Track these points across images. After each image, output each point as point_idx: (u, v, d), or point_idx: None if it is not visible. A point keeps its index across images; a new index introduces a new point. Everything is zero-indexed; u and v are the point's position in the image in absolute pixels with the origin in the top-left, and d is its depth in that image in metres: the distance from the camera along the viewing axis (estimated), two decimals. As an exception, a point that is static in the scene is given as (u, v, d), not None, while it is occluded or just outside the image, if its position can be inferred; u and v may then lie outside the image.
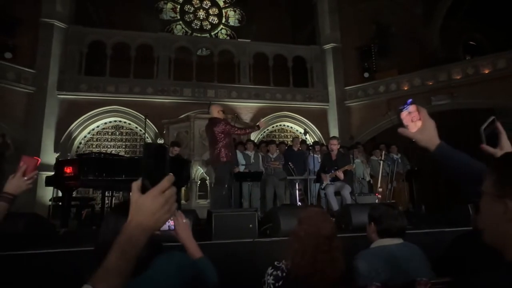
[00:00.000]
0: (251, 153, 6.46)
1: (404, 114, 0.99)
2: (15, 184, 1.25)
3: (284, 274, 1.44)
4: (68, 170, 4.74)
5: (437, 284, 1.38)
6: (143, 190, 0.66)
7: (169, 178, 0.67)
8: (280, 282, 1.43)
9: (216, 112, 4.77)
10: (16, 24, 9.77)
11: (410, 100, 0.98)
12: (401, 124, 1.01)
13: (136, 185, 0.66)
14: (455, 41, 12.95)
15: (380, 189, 6.37)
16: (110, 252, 0.63)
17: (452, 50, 12.57)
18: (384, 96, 11.41)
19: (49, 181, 5.58)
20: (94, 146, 10.44)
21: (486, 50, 11.99)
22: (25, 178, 1.28)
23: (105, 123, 10.61)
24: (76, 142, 10.19)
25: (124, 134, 10.77)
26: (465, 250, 1.72)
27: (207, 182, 8.21)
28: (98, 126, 10.54)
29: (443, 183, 9.56)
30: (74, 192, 5.63)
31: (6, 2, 9.59)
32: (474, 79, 10.10)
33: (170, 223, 1.67)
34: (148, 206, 0.64)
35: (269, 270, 1.49)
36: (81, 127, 10.15)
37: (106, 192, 6.29)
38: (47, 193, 8.14)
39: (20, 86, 9.45)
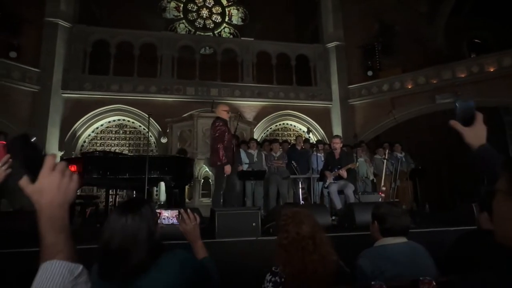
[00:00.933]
0: (254, 152, 6.46)
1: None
2: None
3: (282, 279, 1.42)
4: (73, 168, 4.78)
5: (441, 283, 1.38)
6: (32, 180, 0.68)
7: (49, 156, 0.69)
8: None
9: (220, 111, 4.69)
10: (21, 23, 9.84)
11: (472, 103, 1.07)
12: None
13: (23, 181, 0.68)
14: (460, 39, 12.84)
15: (384, 188, 6.34)
16: (43, 234, 0.66)
17: (457, 48, 12.47)
18: (388, 94, 11.35)
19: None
20: (98, 144, 10.50)
21: (491, 48, 11.87)
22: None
23: (109, 122, 10.67)
24: (81, 141, 10.25)
25: (128, 132, 10.82)
26: (469, 250, 1.71)
27: (211, 180, 8.23)
28: (102, 125, 10.59)
29: (447, 182, 9.51)
30: (78, 190, 5.66)
31: (11, 1, 9.65)
32: (479, 77, 10.02)
33: (174, 219, 1.67)
34: (48, 185, 0.67)
35: (268, 277, 1.47)
36: (85, 126, 10.21)
37: (110, 191, 6.33)
38: (52, 191, 8.19)
39: (25, 85, 9.52)
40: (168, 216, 1.72)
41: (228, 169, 4.29)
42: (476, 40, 13.31)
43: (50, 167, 0.68)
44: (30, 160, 0.68)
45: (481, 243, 1.61)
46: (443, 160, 10.24)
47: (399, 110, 10.65)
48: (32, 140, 0.71)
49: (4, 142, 1.34)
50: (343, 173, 5.04)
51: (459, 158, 8.54)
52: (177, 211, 1.67)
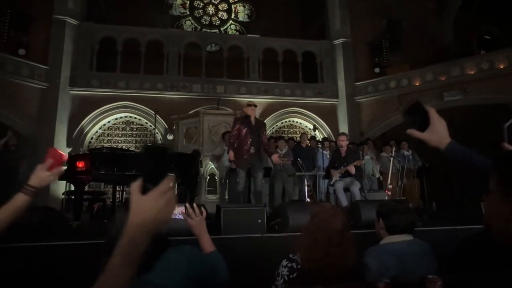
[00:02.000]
0: (260, 149, 6.46)
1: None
2: (39, 177, 1.23)
3: (298, 266, 1.45)
4: (80, 164, 4.83)
5: (448, 282, 1.37)
6: (143, 191, 0.65)
7: (168, 179, 0.67)
8: (294, 274, 1.44)
9: (244, 108, 4.81)
10: (29, 21, 9.94)
11: (417, 101, 0.98)
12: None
13: (135, 186, 0.65)
14: (469, 35, 12.64)
15: (390, 186, 6.30)
16: (113, 254, 0.62)
17: (466, 44, 12.28)
18: (395, 91, 11.24)
19: (61, 175, 5.68)
20: (105, 141, 10.60)
21: (501, 44, 11.66)
22: (49, 172, 1.26)
23: (116, 119, 10.76)
24: (88, 137, 10.36)
25: (135, 129, 10.90)
26: (477, 250, 1.69)
27: (216, 177, 8.26)
28: (109, 122, 10.69)
29: (455, 180, 9.41)
30: (86, 186, 5.74)
31: (20, 0, 9.77)
32: (489, 74, 9.85)
33: (178, 214, 1.69)
34: (150, 207, 0.64)
35: (284, 262, 1.51)
36: (93, 123, 10.32)
37: (117, 187, 6.40)
38: (60, 187, 8.32)
39: (33, 82, 9.64)
40: (175, 212, 1.73)
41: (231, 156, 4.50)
42: (486, 36, 13.09)
43: (162, 190, 0.64)
44: (156, 172, 0.67)
45: (489, 243, 1.59)
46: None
47: (400, 113, 10.51)
48: (167, 157, 0.72)
49: (65, 154, 1.36)
50: (352, 169, 5.02)
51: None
52: (183, 206, 1.68)
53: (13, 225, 1.20)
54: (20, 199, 1.20)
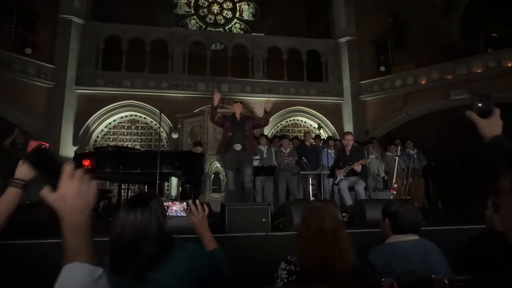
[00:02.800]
0: (264, 148, 6.46)
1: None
2: (24, 170, 1.28)
3: (297, 268, 1.44)
4: (86, 163, 4.88)
5: (454, 282, 1.36)
6: (53, 188, 0.70)
7: (66, 165, 0.72)
8: (294, 277, 1.44)
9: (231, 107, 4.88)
10: (36, 20, 10.03)
11: (491, 97, 1.10)
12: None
13: (45, 191, 0.71)
14: (476, 33, 12.48)
15: (395, 185, 6.26)
16: (65, 238, 0.69)
17: (473, 42, 12.13)
18: (401, 90, 11.16)
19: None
20: (110, 140, 10.67)
21: (509, 42, 11.50)
22: None
23: (121, 117, 10.82)
24: (94, 136, 10.44)
25: (140, 128, 10.96)
26: (483, 251, 1.68)
27: (221, 176, 8.28)
28: (114, 120, 10.75)
29: (461, 179, 9.32)
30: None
31: (26, -1, 9.85)
32: (496, 73, 9.74)
33: (181, 211, 1.69)
34: (68, 192, 0.69)
35: (282, 265, 1.50)
36: (98, 121, 10.39)
37: (123, 185, 6.44)
38: (66, 185, 8.39)
39: (40, 81, 9.73)
40: (176, 209, 1.74)
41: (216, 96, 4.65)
42: (493, 34, 12.92)
43: (69, 175, 0.70)
44: (49, 170, 0.72)
45: (495, 245, 1.58)
46: (457, 157, 10.04)
47: (412, 106, 10.46)
48: (47, 149, 0.75)
49: (46, 144, 1.42)
50: (357, 167, 4.99)
51: (474, 155, 8.36)
52: (185, 203, 1.68)
53: (21, 222, 1.26)
54: (11, 193, 1.26)
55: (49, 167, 0.72)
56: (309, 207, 1.55)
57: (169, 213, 1.70)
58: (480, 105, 1.08)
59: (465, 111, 1.08)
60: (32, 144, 1.39)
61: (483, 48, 12.34)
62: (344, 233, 1.45)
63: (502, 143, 1.04)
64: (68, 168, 0.71)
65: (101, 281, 0.68)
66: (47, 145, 1.42)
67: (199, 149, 6.53)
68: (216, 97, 4.64)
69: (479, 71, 10.04)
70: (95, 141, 10.48)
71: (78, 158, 5.31)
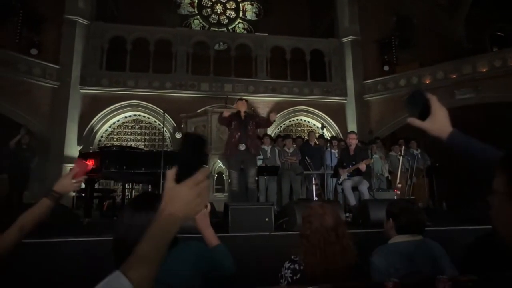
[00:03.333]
0: (267, 148, 6.46)
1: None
2: (64, 184, 1.30)
3: (301, 267, 1.45)
4: (90, 162, 4.90)
5: (459, 282, 1.35)
6: (178, 179, 0.65)
7: (204, 171, 0.66)
8: (298, 276, 1.44)
9: (234, 105, 4.80)
10: (41, 21, 10.11)
11: (419, 89, 0.95)
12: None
13: (171, 173, 0.65)
14: (481, 32, 12.38)
15: (399, 185, 6.23)
16: (142, 240, 0.63)
17: (478, 41, 12.03)
18: (405, 90, 11.09)
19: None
20: (115, 139, 10.72)
21: (515, 41, 11.40)
22: (74, 180, 1.33)
23: (125, 117, 10.87)
24: (98, 136, 10.50)
25: (144, 128, 11.01)
26: (487, 252, 1.67)
27: (224, 176, 8.29)
28: (118, 120, 10.81)
29: (466, 179, 9.25)
30: (96, 184, 5.83)
31: (32, 0, 9.92)
32: (501, 72, 9.64)
33: None
34: (182, 196, 0.64)
35: (286, 264, 1.50)
36: (103, 121, 10.45)
37: (127, 184, 6.48)
38: (71, 185, 8.44)
39: (45, 81, 9.81)
40: None
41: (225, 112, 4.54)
42: (499, 33, 12.80)
43: (197, 181, 0.64)
44: (191, 162, 0.66)
45: (500, 245, 1.57)
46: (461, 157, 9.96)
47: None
48: (205, 147, 0.69)
49: (90, 164, 1.47)
50: (362, 166, 4.97)
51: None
52: None
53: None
54: (44, 204, 1.26)
55: (194, 160, 0.66)
56: (310, 206, 1.57)
57: None
58: (413, 105, 0.93)
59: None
60: (79, 162, 1.41)
61: (488, 47, 12.24)
62: (345, 230, 1.47)
63: (460, 139, 0.90)
64: (202, 173, 0.65)
65: None
66: (91, 165, 1.46)
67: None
68: (227, 113, 4.54)
69: (484, 70, 9.95)
70: (100, 140, 10.54)
71: (82, 158, 5.34)
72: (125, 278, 0.59)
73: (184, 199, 0.63)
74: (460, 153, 0.90)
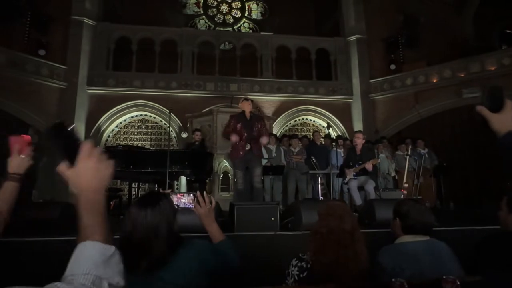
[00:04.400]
0: (273, 147, 6.46)
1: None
2: (16, 163, 1.33)
3: (308, 265, 1.44)
4: (26, 137, 4.93)
5: (466, 283, 1.34)
6: (72, 163, 0.70)
7: (86, 143, 0.72)
8: (305, 274, 1.44)
9: (239, 103, 4.72)
10: (48, 22, 10.23)
11: (501, 89, 1.02)
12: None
13: (62, 166, 0.71)
14: (490, 30, 12.20)
15: (406, 185, 6.19)
16: (80, 217, 0.70)
17: (486, 39, 11.86)
18: (412, 88, 11.00)
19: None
20: (121, 139, 10.81)
21: (524, 39, 11.23)
22: (22, 155, 1.35)
23: (132, 117, 10.96)
24: (105, 136, 10.60)
25: (150, 127, 11.08)
26: (495, 250, 1.65)
27: (230, 175, 8.31)
28: (125, 120, 10.90)
29: (474, 179, 9.15)
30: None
31: (40, 1, 10.05)
32: (511, 70, 9.50)
33: (189, 203, 1.70)
34: (85, 170, 0.70)
35: (294, 262, 1.50)
36: (109, 121, 10.54)
37: (133, 184, 6.52)
38: (78, 184, 8.54)
39: (53, 82, 9.92)
40: (185, 201, 1.75)
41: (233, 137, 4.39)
42: (508, 31, 12.61)
43: (87, 153, 0.70)
44: (68, 147, 0.71)
45: (509, 246, 1.55)
46: (470, 156, 9.86)
47: (423, 105, 10.31)
48: (70, 128, 0.74)
49: (27, 136, 1.46)
50: (369, 166, 4.94)
51: (487, 154, 8.18)
52: (192, 195, 1.70)
53: (34, 220, 1.29)
54: (9, 186, 1.31)
55: (68, 143, 0.71)
56: (329, 205, 1.55)
57: (180, 204, 1.71)
58: (490, 97, 1.01)
59: (475, 106, 1.01)
60: (14, 139, 1.41)
61: (497, 45, 12.06)
62: (360, 235, 1.45)
63: None
64: (87, 146, 0.71)
65: (113, 258, 0.69)
66: (29, 137, 1.44)
67: (197, 134, 6.60)
68: (235, 138, 4.40)
69: (493, 68, 9.82)
70: (106, 140, 10.64)
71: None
72: (89, 241, 0.68)
73: (88, 171, 0.70)
74: (510, 151, 0.95)
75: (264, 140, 4.46)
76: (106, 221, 0.72)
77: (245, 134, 4.42)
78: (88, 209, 0.70)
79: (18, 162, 1.34)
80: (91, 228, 0.69)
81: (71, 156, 0.70)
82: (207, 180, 7.30)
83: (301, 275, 1.44)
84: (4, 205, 1.26)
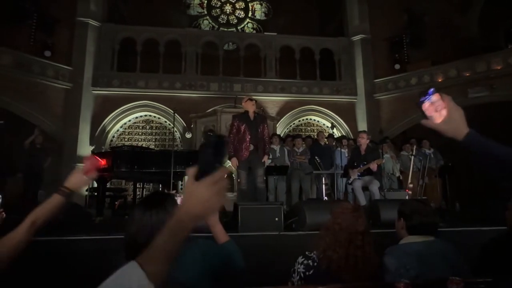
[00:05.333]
0: (276, 147, 6.45)
1: (426, 105, 0.91)
2: (75, 180, 1.31)
3: (315, 264, 1.44)
4: (102, 162, 4.98)
5: (472, 284, 1.33)
6: (197, 178, 0.66)
7: (223, 170, 0.68)
8: (311, 272, 1.44)
9: (243, 103, 4.69)
10: (54, 23, 10.34)
11: (432, 89, 0.90)
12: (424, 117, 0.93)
13: (191, 172, 0.67)
14: (496, 29, 12.08)
15: (411, 185, 6.14)
16: (159, 234, 0.66)
17: (492, 38, 11.75)
18: (416, 88, 10.91)
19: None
20: (126, 139, 10.87)
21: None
22: (85, 176, 1.34)
23: (136, 118, 11.02)
24: (110, 136, 10.66)
25: (154, 128, 11.13)
26: (502, 251, 1.63)
27: (234, 175, 8.31)
28: (129, 120, 10.95)
29: (480, 179, 9.06)
30: (108, 184, 5.92)
31: (45, 3, 10.15)
32: (517, 69, 9.41)
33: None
34: (201, 194, 0.65)
35: (300, 259, 1.50)
36: (114, 121, 10.60)
37: (138, 184, 6.56)
38: (84, 184, 8.59)
39: (58, 83, 10.01)
40: None
41: (233, 162, 4.35)
42: (514, 30, 12.47)
43: (215, 180, 0.65)
44: (211, 161, 0.67)
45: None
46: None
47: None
48: (225, 148, 0.70)
49: (101, 161, 1.47)
50: (374, 166, 4.91)
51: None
52: None
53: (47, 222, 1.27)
54: (55, 200, 1.28)
55: (214, 159, 0.68)
56: (344, 205, 1.56)
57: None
58: (423, 105, 0.89)
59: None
60: (90, 159, 1.41)
61: (503, 44, 11.94)
62: (371, 239, 1.46)
63: (477, 141, 0.86)
64: (221, 173, 0.66)
65: None
66: (103, 162, 1.46)
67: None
68: (235, 163, 4.40)
69: (499, 68, 9.72)
70: (111, 140, 10.70)
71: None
72: (140, 268, 0.62)
73: (202, 197, 0.65)
74: (478, 155, 0.87)
75: (265, 159, 4.53)
76: (167, 265, 0.66)
77: (249, 136, 4.43)
78: (171, 229, 0.65)
79: (78, 179, 1.32)
80: (155, 252, 0.64)
81: (207, 170, 0.66)
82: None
83: (307, 273, 1.44)
84: (42, 216, 1.23)
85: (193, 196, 0.65)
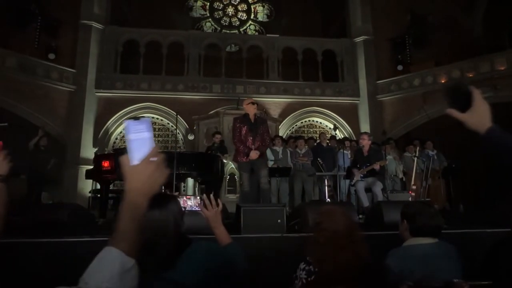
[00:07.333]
0: (279, 149, 6.44)
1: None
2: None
3: (316, 269, 1.43)
4: (106, 164, 5.00)
5: (477, 287, 1.31)
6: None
7: (153, 148, 0.74)
8: (312, 277, 1.43)
9: (244, 105, 4.69)
10: (58, 26, 10.42)
11: (463, 82, 0.97)
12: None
13: (125, 158, 0.73)
14: (500, 29, 12.02)
15: (414, 187, 6.11)
16: (120, 217, 0.71)
17: (496, 38, 11.67)
18: (420, 89, 10.88)
19: (88, 174, 5.92)
20: (129, 141, 10.90)
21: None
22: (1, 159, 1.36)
23: (139, 119, 11.04)
24: (113, 138, 10.71)
25: (157, 130, 11.15)
26: (508, 255, 1.61)
27: (236, 177, 8.30)
28: (132, 122, 10.98)
29: (484, 180, 8.99)
30: (111, 185, 5.93)
31: (49, 6, 10.23)
32: (521, 70, 9.35)
33: (196, 206, 1.70)
34: (142, 172, 0.72)
35: (302, 265, 1.49)
36: (117, 123, 10.65)
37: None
38: (87, 186, 8.65)
39: (62, 85, 10.08)
40: (191, 204, 1.74)
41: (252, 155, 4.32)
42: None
43: (153, 155, 0.72)
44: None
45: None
46: (480, 158, 9.71)
47: (431, 106, 10.17)
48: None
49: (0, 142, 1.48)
50: (377, 167, 4.89)
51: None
52: (199, 197, 1.70)
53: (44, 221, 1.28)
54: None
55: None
56: (321, 211, 1.51)
57: (185, 207, 1.71)
58: (455, 97, 0.93)
59: (446, 110, 0.93)
60: None
61: (507, 45, 11.86)
62: (359, 234, 1.42)
63: (499, 135, 0.88)
64: (153, 150, 0.73)
65: (130, 273, 0.70)
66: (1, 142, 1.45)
67: (218, 137, 6.65)
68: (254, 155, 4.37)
69: (503, 68, 9.67)
70: (114, 142, 10.74)
71: (98, 160, 5.45)
72: (115, 249, 0.69)
73: (144, 174, 0.72)
74: (498, 149, 0.89)
75: (252, 154, 4.36)
76: (136, 235, 0.72)
77: (251, 138, 4.44)
78: (128, 211, 0.71)
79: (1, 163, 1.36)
80: (122, 234, 0.70)
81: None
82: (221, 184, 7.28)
83: (309, 279, 1.43)
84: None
85: (136, 176, 0.71)
